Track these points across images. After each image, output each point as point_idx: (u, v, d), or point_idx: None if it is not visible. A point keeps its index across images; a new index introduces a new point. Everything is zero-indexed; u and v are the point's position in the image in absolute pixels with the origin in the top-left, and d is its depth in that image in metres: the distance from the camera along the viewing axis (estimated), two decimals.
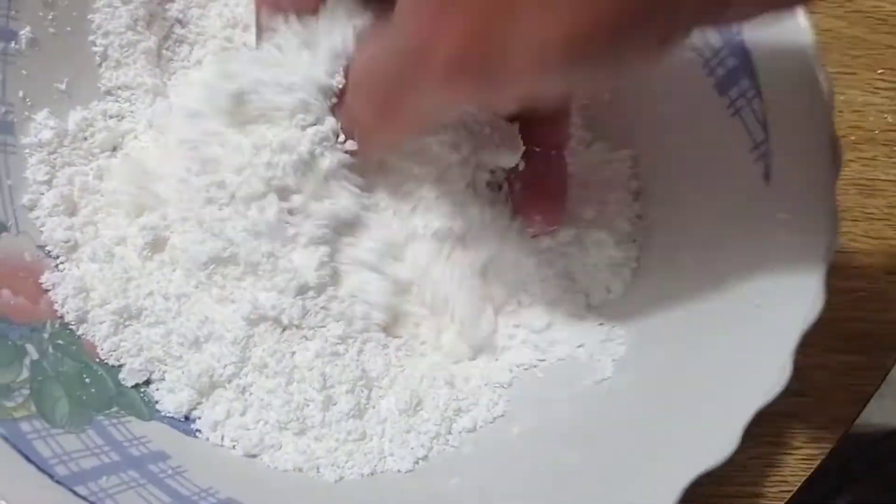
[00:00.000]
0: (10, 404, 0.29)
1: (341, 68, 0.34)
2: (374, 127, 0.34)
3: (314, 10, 0.34)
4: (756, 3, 0.26)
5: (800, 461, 0.38)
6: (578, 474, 0.31)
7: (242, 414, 0.34)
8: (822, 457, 0.38)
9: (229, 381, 0.35)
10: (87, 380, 0.33)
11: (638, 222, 0.39)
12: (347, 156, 0.35)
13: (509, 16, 0.25)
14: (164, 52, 0.40)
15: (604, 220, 0.39)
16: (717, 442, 0.28)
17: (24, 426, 0.29)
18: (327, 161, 0.34)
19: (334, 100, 0.34)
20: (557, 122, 0.38)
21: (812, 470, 0.38)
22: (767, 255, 0.33)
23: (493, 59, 0.26)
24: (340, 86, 0.34)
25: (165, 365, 0.35)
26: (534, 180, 0.37)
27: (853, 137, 0.42)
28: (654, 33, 0.24)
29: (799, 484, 0.37)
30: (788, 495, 0.37)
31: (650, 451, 0.30)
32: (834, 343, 0.39)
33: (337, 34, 0.34)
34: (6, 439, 0.28)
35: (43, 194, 0.36)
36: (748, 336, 0.31)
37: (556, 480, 0.32)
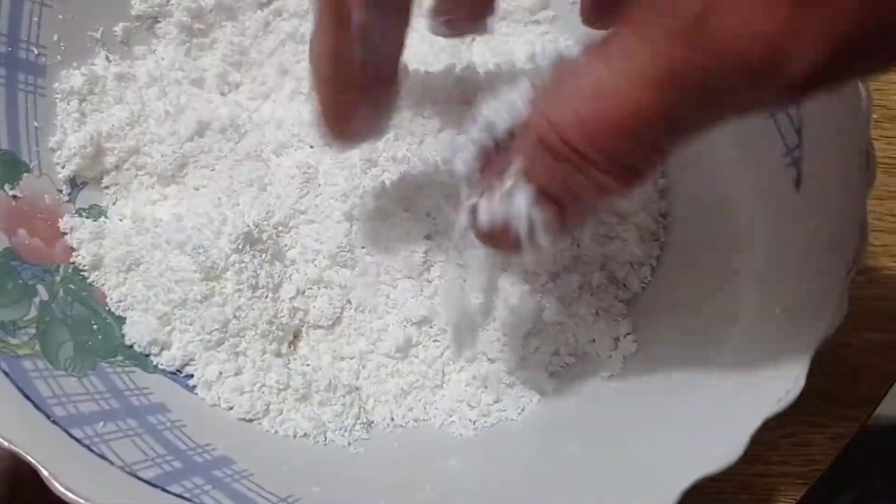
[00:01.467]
0: (14, 341, 0.29)
1: None
2: None
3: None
4: None
5: (829, 440, 0.37)
6: (578, 465, 0.31)
7: (237, 374, 0.34)
8: (851, 435, 0.37)
9: (220, 344, 0.34)
10: (95, 326, 0.33)
11: (662, 221, 0.39)
12: None
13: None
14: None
15: (627, 216, 0.38)
16: (722, 449, 0.27)
17: (27, 364, 0.29)
18: None
19: None
20: None
21: (841, 448, 0.37)
22: (794, 261, 0.32)
23: None
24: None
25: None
26: None
27: (876, 116, 0.41)
28: None
29: (828, 462, 0.37)
30: (818, 473, 0.37)
31: (650, 452, 0.29)
32: (860, 321, 0.39)
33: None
34: (6, 374, 0.28)
35: (70, 136, 0.36)
36: (766, 342, 0.30)
37: (557, 470, 0.31)
